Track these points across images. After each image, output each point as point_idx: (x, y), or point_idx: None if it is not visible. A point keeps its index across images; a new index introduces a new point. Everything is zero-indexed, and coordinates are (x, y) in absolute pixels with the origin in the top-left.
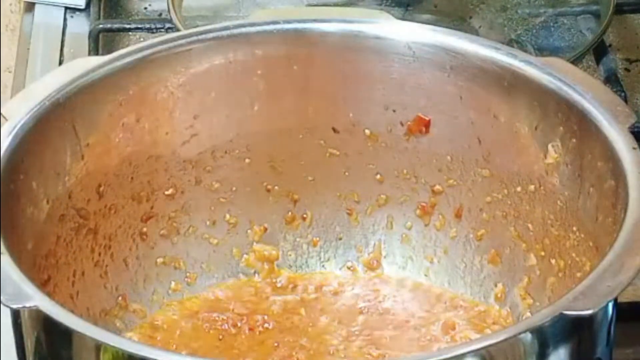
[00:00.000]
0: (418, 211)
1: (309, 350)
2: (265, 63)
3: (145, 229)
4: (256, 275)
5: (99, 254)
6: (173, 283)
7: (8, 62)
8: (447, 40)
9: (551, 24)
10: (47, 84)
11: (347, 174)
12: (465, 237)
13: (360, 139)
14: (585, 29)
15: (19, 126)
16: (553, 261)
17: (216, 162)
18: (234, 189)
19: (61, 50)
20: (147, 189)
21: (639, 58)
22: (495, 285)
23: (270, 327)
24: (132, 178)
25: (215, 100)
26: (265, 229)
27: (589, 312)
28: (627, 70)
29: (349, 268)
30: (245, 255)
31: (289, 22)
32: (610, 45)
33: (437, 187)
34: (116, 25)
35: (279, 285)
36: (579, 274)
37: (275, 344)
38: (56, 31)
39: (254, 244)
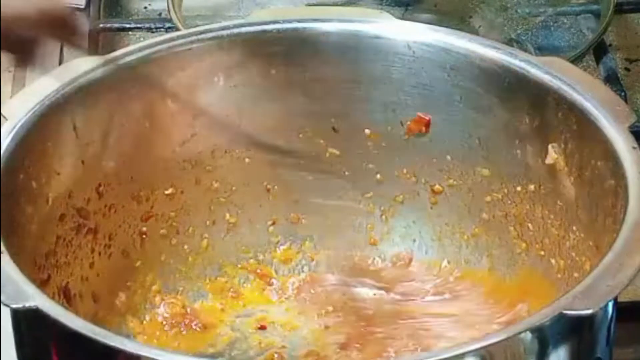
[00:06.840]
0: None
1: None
2: (265, 63)
3: (145, 229)
4: (256, 275)
5: (99, 254)
6: (173, 282)
7: (8, 62)
8: (447, 40)
9: (551, 24)
10: (47, 84)
11: (347, 174)
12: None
13: (360, 138)
14: (585, 29)
15: (19, 126)
16: (553, 261)
17: (216, 162)
18: (233, 188)
19: (61, 50)
20: (147, 189)
21: (639, 58)
22: None
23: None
24: (132, 178)
25: (215, 100)
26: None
27: (589, 311)
28: (627, 69)
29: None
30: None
31: (288, 21)
32: (610, 45)
33: (437, 186)
34: (116, 25)
35: (279, 285)
36: (578, 274)
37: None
38: None
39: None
